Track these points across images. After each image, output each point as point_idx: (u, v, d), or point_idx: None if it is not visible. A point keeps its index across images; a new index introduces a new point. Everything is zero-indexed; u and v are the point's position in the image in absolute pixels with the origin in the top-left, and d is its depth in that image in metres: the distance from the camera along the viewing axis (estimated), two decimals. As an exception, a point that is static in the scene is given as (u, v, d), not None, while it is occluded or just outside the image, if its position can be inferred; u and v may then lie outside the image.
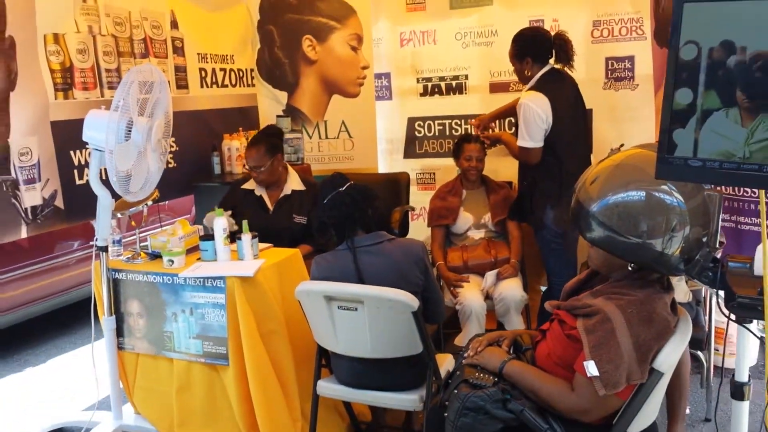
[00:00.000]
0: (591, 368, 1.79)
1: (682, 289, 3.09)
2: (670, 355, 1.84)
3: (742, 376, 1.95)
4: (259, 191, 3.60)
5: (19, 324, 4.46)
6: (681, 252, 1.81)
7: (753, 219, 3.67)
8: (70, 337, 4.73)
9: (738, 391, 1.94)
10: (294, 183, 3.61)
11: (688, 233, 1.80)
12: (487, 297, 3.52)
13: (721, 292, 1.89)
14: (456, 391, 1.99)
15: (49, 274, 4.62)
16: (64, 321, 4.95)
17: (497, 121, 4.52)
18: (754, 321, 1.90)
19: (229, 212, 3.13)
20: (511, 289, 3.44)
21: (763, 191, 1.64)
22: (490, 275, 3.57)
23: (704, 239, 1.84)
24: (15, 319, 4.42)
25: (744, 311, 1.79)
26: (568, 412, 1.88)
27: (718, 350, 3.50)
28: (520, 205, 3.62)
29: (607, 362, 1.78)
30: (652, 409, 1.92)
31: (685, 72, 1.43)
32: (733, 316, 1.86)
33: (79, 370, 4.15)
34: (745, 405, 1.95)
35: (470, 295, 3.44)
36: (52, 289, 4.66)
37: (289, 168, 3.69)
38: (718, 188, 1.88)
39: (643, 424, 1.93)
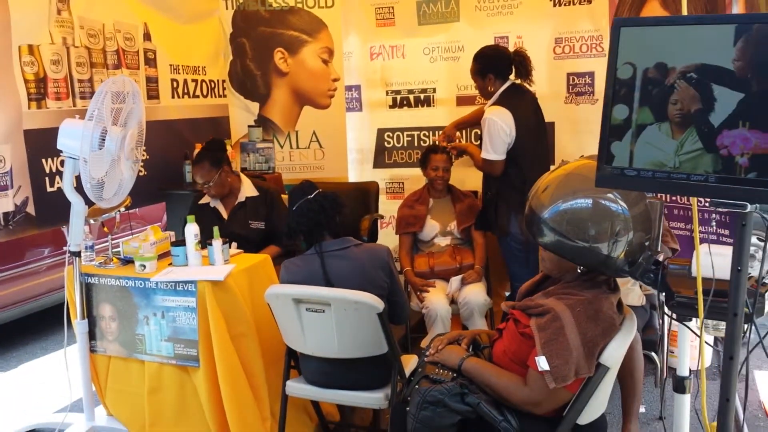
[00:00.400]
0: (542, 363, 1.92)
1: (636, 293, 3.24)
2: (616, 351, 1.98)
3: (684, 371, 2.09)
4: (214, 203, 3.70)
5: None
6: (625, 255, 1.95)
7: (705, 227, 3.86)
8: (41, 342, 4.74)
9: (680, 385, 2.08)
10: (247, 190, 3.71)
11: (631, 238, 1.94)
12: (453, 301, 3.64)
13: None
14: (417, 386, 2.10)
15: (19, 280, 4.63)
16: (35, 327, 4.97)
17: (464, 133, 4.68)
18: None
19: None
20: (475, 294, 3.57)
21: (695, 199, 1.78)
22: (455, 280, 3.70)
23: (647, 243, 1.98)
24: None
25: (682, 309, 1.93)
26: (522, 405, 2.01)
27: (673, 352, 3.67)
28: (484, 214, 3.76)
29: (556, 357, 1.91)
30: (600, 401, 2.06)
31: (622, 90, 1.56)
32: (674, 315, 2.01)
33: (51, 374, 4.18)
34: (687, 398, 2.09)
35: (436, 299, 3.57)
36: (22, 296, 4.67)
37: (242, 176, 3.80)
38: (660, 196, 2.02)
39: (592, 416, 2.06)
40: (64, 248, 3.07)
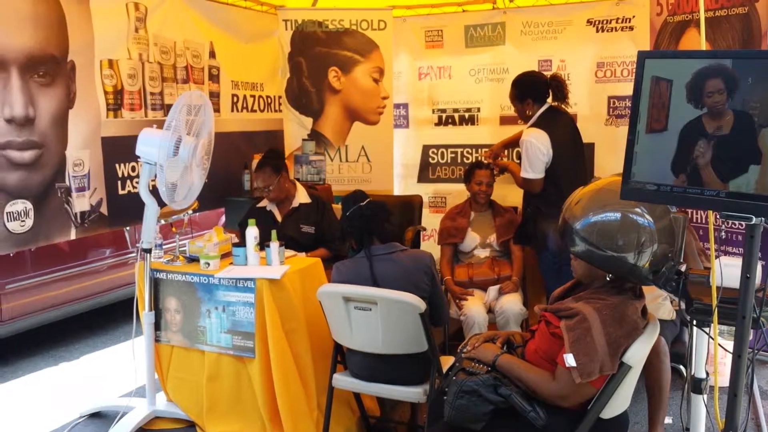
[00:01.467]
0: (570, 360, 2.11)
1: (666, 308, 3.38)
2: (639, 352, 2.16)
3: (701, 373, 2.26)
4: (270, 207, 4.00)
5: (49, 324, 4.81)
6: (650, 265, 2.13)
7: (738, 249, 3.98)
8: (100, 337, 5.06)
9: (696, 386, 2.26)
10: (301, 197, 4.01)
11: (656, 249, 2.12)
12: (490, 310, 3.84)
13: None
14: (454, 378, 2.31)
15: (79, 279, 4.91)
16: (94, 322, 5.29)
17: (507, 152, 4.89)
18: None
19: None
20: (511, 304, 3.76)
21: (712, 213, 1.97)
22: (493, 290, 3.89)
23: (670, 254, 2.16)
24: (47, 320, 4.76)
25: (700, 315, 2.10)
26: (550, 398, 2.20)
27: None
28: (523, 229, 3.95)
29: (583, 355, 2.10)
30: (622, 398, 2.23)
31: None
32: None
33: (113, 365, 4.50)
34: (701, 398, 2.26)
35: (474, 307, 3.77)
36: (81, 294, 4.95)
37: (297, 184, 4.10)
38: (684, 211, 2.21)
39: (614, 411, 2.23)
40: (137, 246, 3.37)
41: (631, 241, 2.11)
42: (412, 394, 2.86)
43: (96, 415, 3.60)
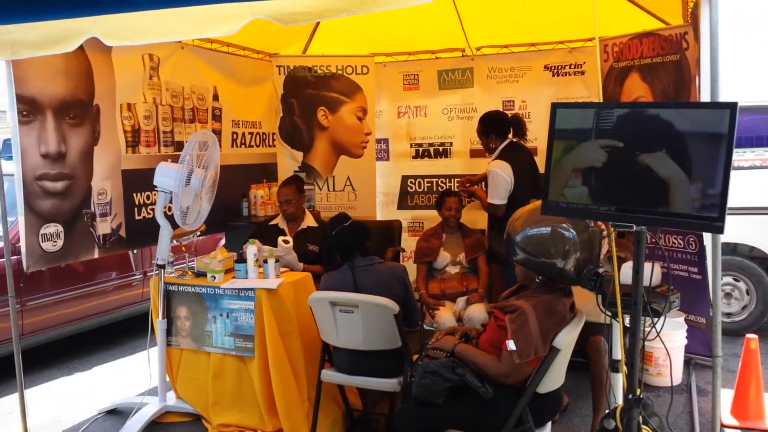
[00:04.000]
0: (511, 345, 2.66)
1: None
2: (565, 338, 2.70)
3: (617, 356, 2.80)
4: (282, 225, 4.60)
5: (59, 340, 5.23)
6: (574, 269, 2.70)
7: (681, 266, 4.55)
8: (109, 351, 5.53)
9: (614, 366, 2.79)
10: (309, 221, 4.64)
11: (579, 256, 2.69)
12: (459, 318, 4.38)
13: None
14: (420, 363, 2.85)
15: (89, 298, 5.32)
16: (103, 338, 5.76)
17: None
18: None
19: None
20: (477, 312, 4.30)
21: (610, 223, 2.53)
22: (461, 301, 4.45)
23: (590, 260, 2.72)
24: (60, 335, 5.18)
25: (612, 307, 2.66)
26: (496, 376, 2.74)
27: (648, 370, 4.36)
28: (491, 249, 4.52)
29: (521, 341, 2.64)
30: (555, 376, 2.77)
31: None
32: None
33: (122, 374, 4.98)
34: (620, 376, 2.79)
35: (445, 315, 4.31)
36: (91, 311, 5.35)
37: (306, 210, 4.71)
38: (599, 225, 2.78)
39: (549, 387, 2.77)
40: (153, 261, 3.90)
41: (559, 250, 2.68)
42: (389, 384, 3.38)
43: (113, 412, 4.09)
